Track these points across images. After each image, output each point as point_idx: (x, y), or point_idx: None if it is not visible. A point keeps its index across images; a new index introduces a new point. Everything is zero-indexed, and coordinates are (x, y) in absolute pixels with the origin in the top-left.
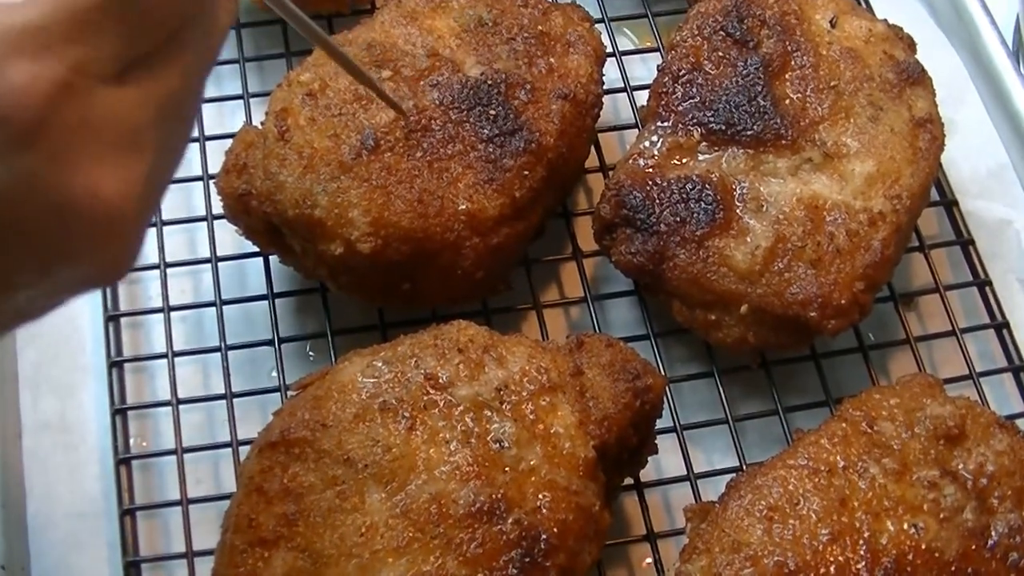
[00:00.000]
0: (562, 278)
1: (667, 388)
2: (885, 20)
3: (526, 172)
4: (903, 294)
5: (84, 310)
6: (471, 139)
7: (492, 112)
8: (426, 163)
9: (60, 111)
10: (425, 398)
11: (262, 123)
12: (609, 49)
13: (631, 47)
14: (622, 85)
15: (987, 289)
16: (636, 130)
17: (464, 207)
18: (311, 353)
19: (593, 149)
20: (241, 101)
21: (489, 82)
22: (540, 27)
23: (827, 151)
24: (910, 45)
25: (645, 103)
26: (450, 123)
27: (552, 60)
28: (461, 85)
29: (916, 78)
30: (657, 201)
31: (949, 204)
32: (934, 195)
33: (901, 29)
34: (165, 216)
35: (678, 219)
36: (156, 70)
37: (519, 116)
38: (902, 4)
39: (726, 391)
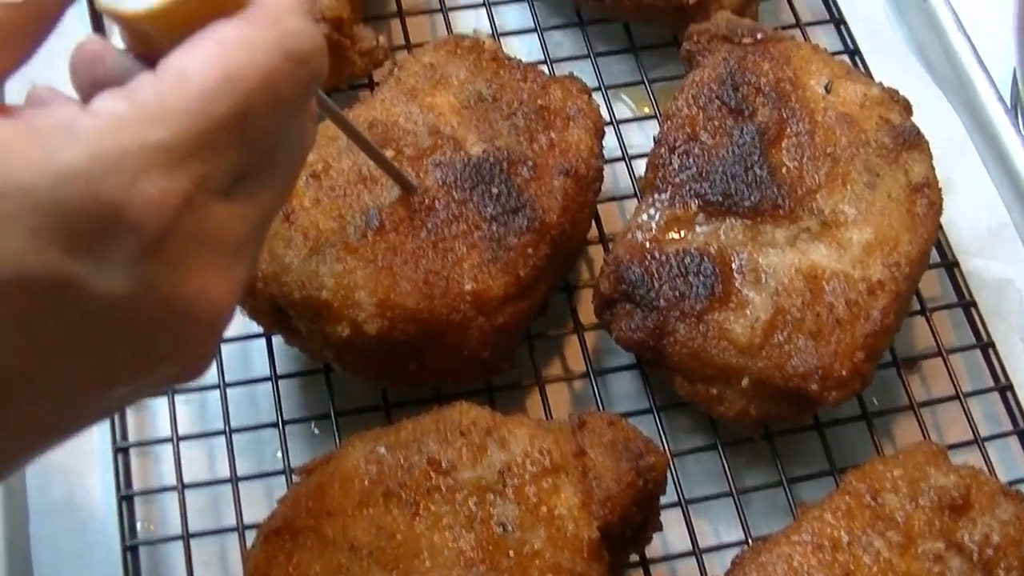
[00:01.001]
0: (564, 352)
1: (671, 463)
2: (880, 83)
3: (530, 250)
4: (905, 358)
5: None
6: (475, 218)
7: (495, 190)
8: (431, 243)
9: (182, 222)
10: (428, 483)
11: None
12: (606, 118)
13: (629, 114)
14: (620, 154)
15: (990, 351)
16: (635, 200)
17: (470, 287)
18: (316, 431)
19: (593, 221)
20: None
21: (491, 160)
22: (539, 101)
23: (824, 220)
24: (906, 108)
25: (644, 173)
26: (454, 202)
27: (553, 135)
28: (464, 164)
29: (912, 142)
30: (656, 276)
31: (950, 265)
32: (934, 256)
33: (897, 92)
34: None
35: (677, 294)
36: (255, 187)
37: (522, 194)
38: (898, 60)
39: (730, 462)
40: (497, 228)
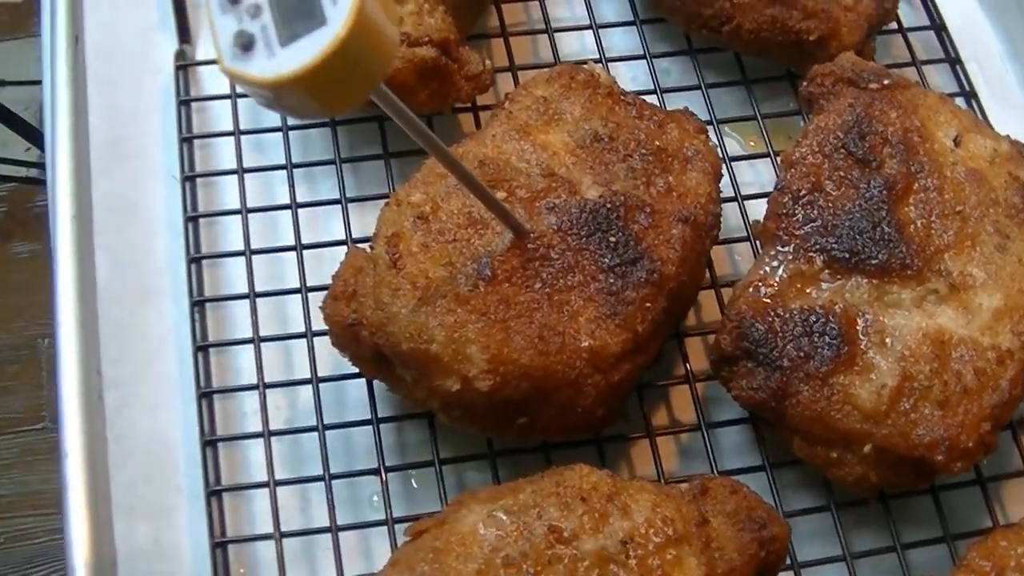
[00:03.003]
0: (673, 402)
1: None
2: (1008, 137)
3: (648, 304)
4: (1020, 419)
5: (177, 433)
6: (591, 268)
7: (612, 239)
8: (545, 295)
9: None
10: (549, 552)
11: (370, 246)
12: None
13: (737, 148)
14: (732, 194)
15: None
16: (747, 242)
17: (586, 344)
18: (415, 484)
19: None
20: (338, 206)
21: (608, 205)
22: (657, 142)
23: (953, 282)
24: None
25: (759, 218)
26: (569, 250)
27: (670, 178)
28: (579, 209)
29: None
30: (780, 334)
31: None
32: None
33: (1023, 144)
34: (263, 331)
35: (802, 354)
36: None
37: (640, 243)
38: (1013, 103)
39: (841, 522)
40: (614, 280)
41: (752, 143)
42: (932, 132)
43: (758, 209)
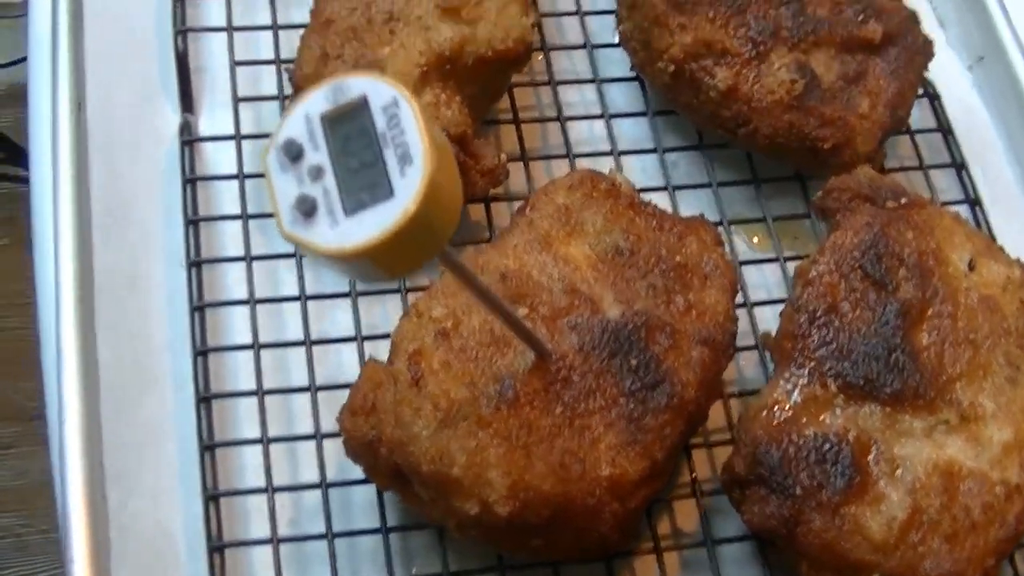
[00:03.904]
0: (678, 514)
1: None
2: (1019, 261)
3: (667, 430)
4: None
5: (180, 536)
6: (612, 392)
7: (633, 361)
8: (567, 419)
9: None
10: None
11: (390, 360)
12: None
13: (743, 247)
14: (741, 300)
15: None
16: (754, 350)
17: (607, 472)
18: None
19: None
20: (347, 299)
21: (630, 326)
22: (677, 256)
23: (963, 413)
24: None
25: (768, 329)
26: (590, 373)
27: (690, 296)
28: (601, 329)
29: None
30: (794, 461)
31: None
32: None
33: None
34: (271, 432)
35: (815, 483)
36: None
37: (660, 365)
38: (1015, 211)
39: None
40: (635, 406)
41: (756, 239)
42: (947, 255)
43: (764, 315)
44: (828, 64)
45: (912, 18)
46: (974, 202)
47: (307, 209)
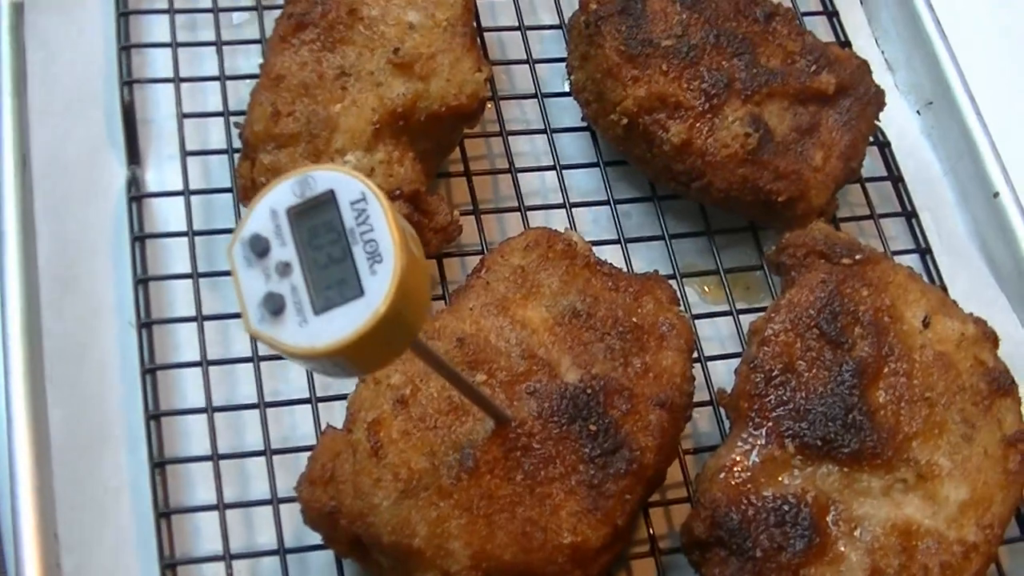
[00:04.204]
0: (635, 574)
1: None
2: (972, 316)
3: (627, 496)
4: None
5: None
6: (572, 458)
7: (592, 427)
8: (527, 487)
9: None
10: None
11: (348, 428)
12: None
13: (695, 298)
14: (696, 355)
15: None
16: (710, 407)
17: (568, 540)
18: None
19: None
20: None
21: (588, 391)
22: (633, 318)
23: (920, 471)
24: (994, 342)
25: (723, 386)
26: (550, 439)
27: (647, 358)
28: (560, 394)
29: (1006, 388)
30: (753, 523)
31: None
32: None
33: (985, 324)
34: (227, 496)
35: (775, 545)
36: None
37: (619, 430)
38: (964, 257)
39: None
40: (595, 472)
41: (707, 288)
42: (902, 312)
43: (718, 368)
44: (781, 116)
45: (864, 67)
46: (925, 251)
47: (275, 308)
